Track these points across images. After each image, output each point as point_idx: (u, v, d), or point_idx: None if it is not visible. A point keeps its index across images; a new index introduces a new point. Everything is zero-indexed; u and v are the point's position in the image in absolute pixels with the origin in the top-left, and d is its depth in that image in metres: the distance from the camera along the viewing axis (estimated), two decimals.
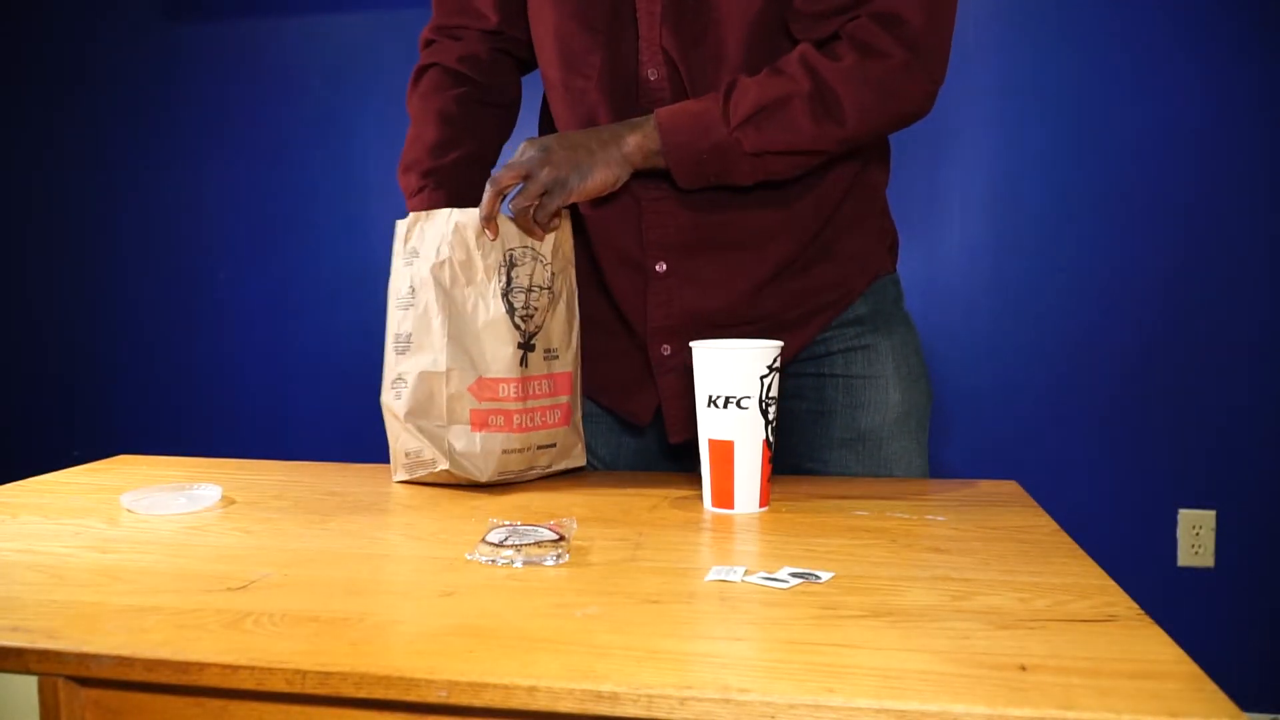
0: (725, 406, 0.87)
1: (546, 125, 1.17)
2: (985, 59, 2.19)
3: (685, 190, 1.02)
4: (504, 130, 1.20)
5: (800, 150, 0.97)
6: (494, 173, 0.97)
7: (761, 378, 0.87)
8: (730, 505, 0.88)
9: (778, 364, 0.88)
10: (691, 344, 0.90)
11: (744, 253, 1.06)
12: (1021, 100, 2.20)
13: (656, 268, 1.06)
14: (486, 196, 0.96)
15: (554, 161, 0.95)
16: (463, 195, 1.06)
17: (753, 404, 0.87)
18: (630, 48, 1.01)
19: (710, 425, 0.89)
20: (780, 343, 0.89)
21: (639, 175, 1.00)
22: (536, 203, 0.96)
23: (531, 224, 0.98)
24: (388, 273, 1.01)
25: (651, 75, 1.01)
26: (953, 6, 0.99)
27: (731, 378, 0.87)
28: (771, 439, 0.89)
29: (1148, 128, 2.16)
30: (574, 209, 1.12)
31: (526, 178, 0.95)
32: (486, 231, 0.96)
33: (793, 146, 0.96)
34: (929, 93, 0.99)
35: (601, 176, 0.96)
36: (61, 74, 2.65)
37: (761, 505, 0.89)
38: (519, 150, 0.97)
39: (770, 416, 0.88)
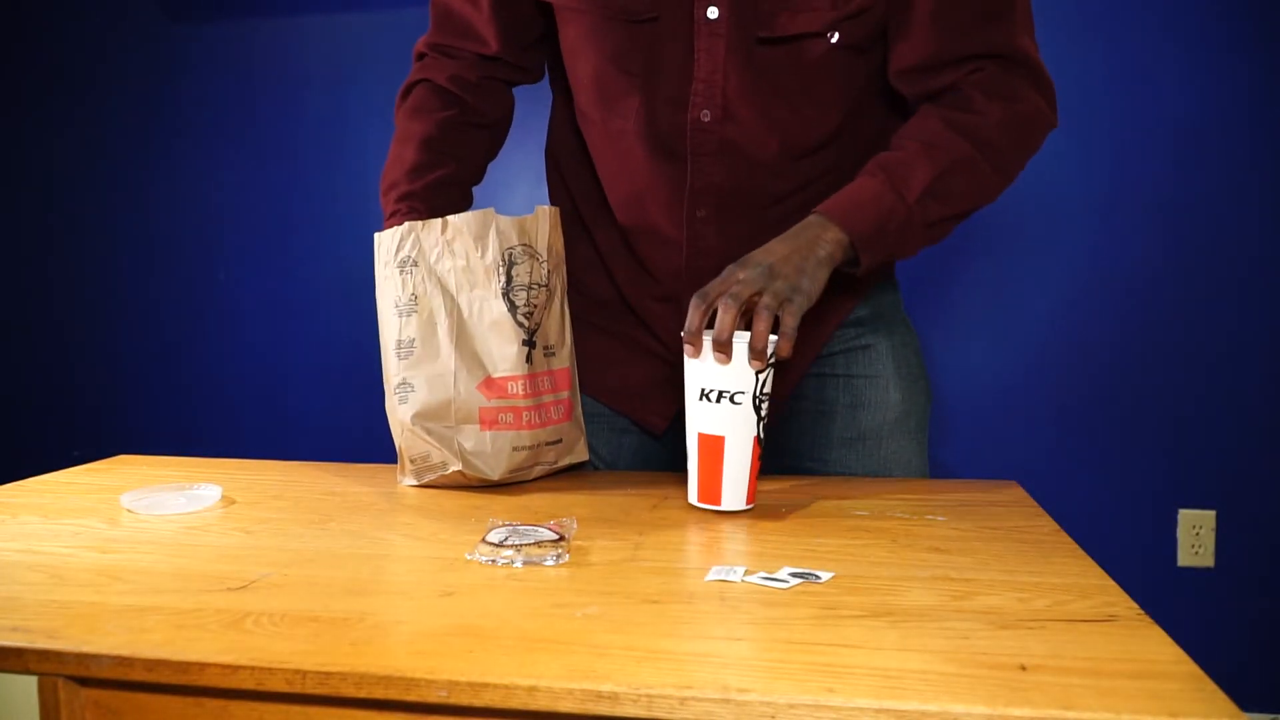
0: (718, 401, 0.85)
1: (566, 144, 1.15)
2: None
3: (725, 227, 1.03)
4: (491, 148, 1.19)
5: (972, 209, 0.99)
6: (708, 293, 0.88)
7: (757, 372, 0.85)
8: (717, 502, 0.87)
9: (773, 359, 0.86)
10: (685, 334, 0.87)
11: None
12: None
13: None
14: (730, 315, 0.85)
15: (777, 274, 0.88)
16: (438, 216, 1.04)
17: (746, 399, 0.85)
18: (671, 90, 1.00)
19: (701, 419, 0.87)
20: (775, 336, 0.86)
21: (671, 208, 1.03)
22: (769, 318, 0.86)
23: (765, 355, 0.85)
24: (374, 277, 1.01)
25: (705, 117, 1.00)
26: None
27: (726, 371, 0.85)
28: (763, 435, 0.87)
29: (1149, 127, 2.15)
30: (591, 239, 1.13)
31: (759, 293, 0.87)
32: (689, 347, 0.87)
33: (964, 209, 0.99)
34: (1053, 125, 1.02)
35: (822, 282, 0.91)
36: (61, 74, 2.65)
37: (748, 503, 0.88)
38: (730, 273, 0.89)
39: (763, 413, 0.87)
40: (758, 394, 0.86)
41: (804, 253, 0.91)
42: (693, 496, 0.89)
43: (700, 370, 0.86)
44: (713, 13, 0.97)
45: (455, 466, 0.96)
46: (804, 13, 0.95)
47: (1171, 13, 2.13)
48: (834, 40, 0.97)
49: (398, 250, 0.98)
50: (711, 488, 0.87)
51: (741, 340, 0.85)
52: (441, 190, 1.09)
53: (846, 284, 1.10)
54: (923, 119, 0.99)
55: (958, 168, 0.96)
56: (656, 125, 1.02)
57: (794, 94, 0.99)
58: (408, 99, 1.14)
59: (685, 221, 1.04)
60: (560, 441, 1.03)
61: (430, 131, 1.10)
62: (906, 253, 0.99)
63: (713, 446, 0.86)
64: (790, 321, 0.87)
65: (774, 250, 0.91)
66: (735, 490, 0.87)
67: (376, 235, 1.00)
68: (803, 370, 1.12)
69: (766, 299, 0.86)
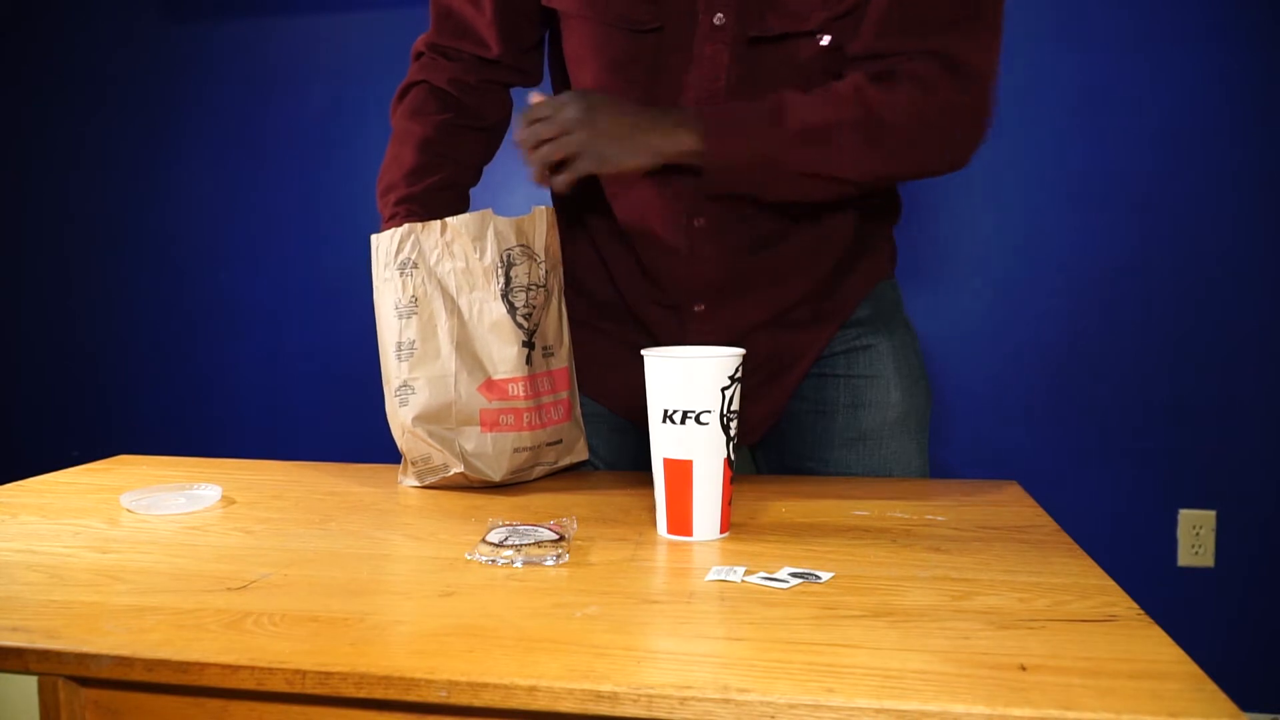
0: (683, 422, 0.79)
1: None
2: None
3: (729, 236, 1.03)
4: (488, 150, 1.18)
5: (838, 177, 0.96)
6: (531, 114, 0.93)
7: (723, 389, 0.79)
8: (689, 532, 0.80)
9: (739, 374, 0.80)
10: (644, 352, 0.82)
11: (776, 287, 1.08)
12: (1023, 99, 2.20)
13: (695, 308, 1.08)
14: (522, 134, 0.92)
15: (597, 128, 0.91)
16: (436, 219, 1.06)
17: (713, 419, 0.78)
18: (673, 99, 1.00)
19: (666, 443, 0.80)
20: (742, 350, 0.81)
21: (690, 221, 1.02)
22: (560, 156, 0.92)
23: (546, 174, 0.93)
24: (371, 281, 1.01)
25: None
26: (999, 61, 0.97)
27: (690, 390, 0.78)
28: (733, 457, 0.81)
29: (1149, 127, 2.15)
30: (593, 243, 1.13)
31: (564, 133, 0.92)
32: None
33: (832, 172, 0.95)
34: (974, 142, 0.97)
35: (634, 162, 0.93)
36: (61, 74, 2.65)
37: (722, 531, 0.81)
38: (562, 98, 0.93)
39: (732, 432, 0.80)
40: (725, 412, 0.79)
41: (638, 129, 0.93)
42: (662, 528, 0.82)
43: (663, 389, 0.80)
44: (719, 19, 0.97)
45: (457, 469, 0.96)
46: (795, 15, 0.95)
47: (1167, 13, 2.13)
48: (824, 43, 0.96)
49: (397, 252, 0.98)
50: (681, 517, 0.80)
51: (708, 355, 0.81)
52: (440, 194, 1.09)
53: (848, 291, 1.11)
54: (845, 78, 0.96)
55: (836, 128, 0.93)
56: None
57: (774, 85, 0.98)
58: (405, 100, 1.14)
59: (684, 230, 1.04)
60: (560, 442, 1.03)
61: (429, 134, 1.10)
62: (765, 195, 0.98)
63: (680, 472, 0.79)
64: (563, 177, 0.92)
65: (616, 107, 0.93)
66: (707, 519, 0.80)
67: (374, 237, 1.00)
68: (804, 370, 1.12)
69: (564, 142, 0.91)
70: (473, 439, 0.96)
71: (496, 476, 0.97)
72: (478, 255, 0.97)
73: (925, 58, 0.94)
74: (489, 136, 1.18)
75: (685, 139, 0.93)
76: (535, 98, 0.95)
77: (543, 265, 1.01)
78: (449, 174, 1.11)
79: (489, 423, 0.97)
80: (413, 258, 0.98)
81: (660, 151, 0.94)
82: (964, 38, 0.94)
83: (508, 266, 0.98)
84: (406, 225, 0.98)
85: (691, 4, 0.97)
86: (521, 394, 0.98)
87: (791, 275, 1.07)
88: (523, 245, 0.99)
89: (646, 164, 0.94)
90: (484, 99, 1.14)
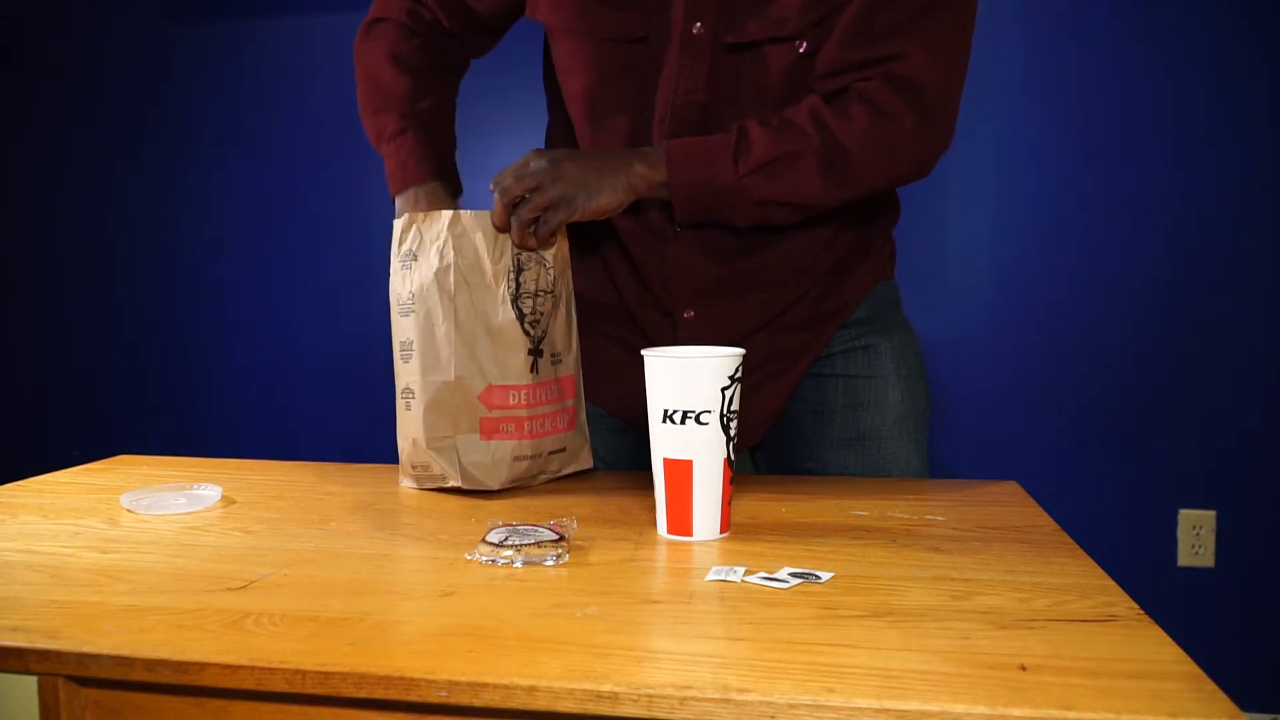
0: (683, 422, 0.79)
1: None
2: (989, 58, 2.19)
3: (709, 242, 1.03)
4: (457, 88, 1.19)
5: (804, 203, 0.98)
6: (499, 178, 0.95)
7: (723, 389, 0.79)
8: (689, 532, 0.80)
9: (739, 374, 0.80)
10: (644, 352, 0.82)
11: (766, 293, 1.08)
12: (1024, 99, 2.20)
13: (684, 315, 1.08)
14: (497, 206, 0.94)
15: (564, 177, 0.93)
16: (442, 141, 1.04)
17: (713, 419, 0.79)
18: (660, 110, 1.01)
19: (666, 443, 0.80)
20: (742, 350, 0.82)
21: (669, 226, 1.02)
22: (540, 215, 0.95)
23: (527, 235, 0.95)
24: (388, 272, 1.00)
25: (685, 133, 1.01)
26: (963, 76, 0.98)
27: (690, 390, 0.78)
28: (733, 457, 0.81)
29: (1149, 127, 2.16)
30: (599, 256, 1.14)
31: (535, 189, 0.93)
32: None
33: (797, 199, 0.97)
34: (932, 158, 0.99)
35: (607, 200, 0.94)
36: (62, 74, 2.65)
37: (723, 531, 0.81)
38: (525, 159, 0.95)
39: (732, 432, 0.80)
40: (725, 412, 0.79)
41: (605, 170, 0.94)
42: (662, 528, 0.82)
43: (663, 389, 0.80)
44: (698, 28, 0.97)
45: (454, 481, 0.95)
46: (775, 21, 0.95)
47: (1167, 12, 2.13)
48: (802, 50, 0.96)
49: (401, 242, 0.96)
50: (681, 517, 0.80)
51: (708, 355, 0.81)
52: (438, 116, 1.09)
53: (846, 293, 1.11)
54: (802, 103, 0.97)
55: (797, 157, 0.95)
56: (644, 144, 1.02)
57: (768, 109, 0.99)
58: (376, 30, 1.14)
59: (670, 237, 1.04)
60: (564, 450, 1.02)
61: (416, 61, 1.10)
62: (733, 221, 0.99)
63: (680, 472, 0.79)
64: (542, 229, 0.94)
65: (578, 156, 0.95)
66: (707, 519, 0.80)
67: (396, 221, 0.99)
68: (802, 371, 1.12)
69: (536, 198, 0.92)
70: (472, 447, 0.94)
71: (495, 485, 0.95)
72: (491, 256, 0.95)
73: (881, 77, 0.95)
74: (457, 76, 1.18)
75: (650, 174, 0.95)
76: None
77: (551, 270, 1.00)
78: (438, 101, 1.11)
79: (489, 430, 0.95)
80: (414, 250, 0.96)
81: (630, 187, 0.95)
82: (921, 56, 0.94)
83: (518, 271, 0.97)
84: (407, 215, 0.97)
85: (672, 13, 0.97)
86: (524, 402, 0.96)
87: (784, 280, 1.08)
88: (533, 250, 0.98)
89: (617, 202, 0.95)
90: (454, 41, 1.15)
